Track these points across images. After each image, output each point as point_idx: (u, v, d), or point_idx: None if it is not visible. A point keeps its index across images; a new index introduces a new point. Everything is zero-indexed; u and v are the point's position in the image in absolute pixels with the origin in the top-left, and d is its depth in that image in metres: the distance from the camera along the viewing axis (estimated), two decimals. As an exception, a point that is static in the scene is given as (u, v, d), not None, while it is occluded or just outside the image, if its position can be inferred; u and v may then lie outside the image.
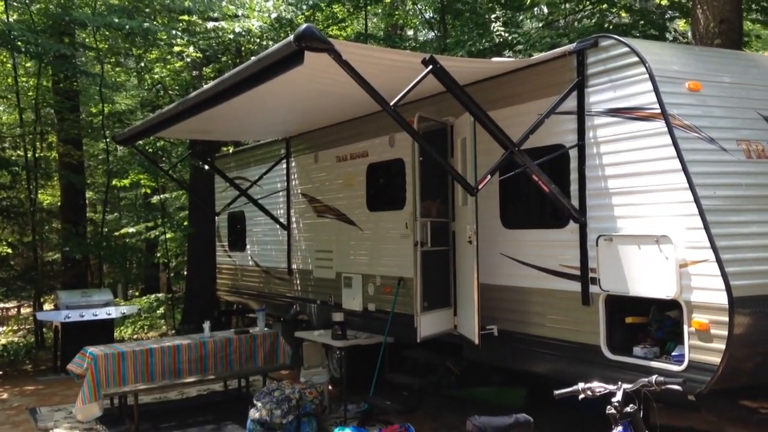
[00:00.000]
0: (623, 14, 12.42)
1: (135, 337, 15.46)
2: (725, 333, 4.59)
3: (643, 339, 5.28)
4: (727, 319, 4.58)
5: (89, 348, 7.71)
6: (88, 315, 10.81)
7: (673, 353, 5.00)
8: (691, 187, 4.78)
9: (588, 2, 12.10)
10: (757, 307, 4.65)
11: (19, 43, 10.58)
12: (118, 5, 12.56)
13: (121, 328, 16.12)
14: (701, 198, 4.76)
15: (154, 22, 12.66)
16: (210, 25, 12.27)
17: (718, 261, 4.64)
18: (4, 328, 18.36)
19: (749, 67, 5.79)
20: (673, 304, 5.02)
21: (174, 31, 12.02)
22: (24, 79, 15.08)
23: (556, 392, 3.75)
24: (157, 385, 7.82)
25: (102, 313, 10.95)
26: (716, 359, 4.64)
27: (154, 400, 8.77)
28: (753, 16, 11.80)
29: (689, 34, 10.02)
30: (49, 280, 15.00)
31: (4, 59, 14.57)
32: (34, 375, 11.24)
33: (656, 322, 5.27)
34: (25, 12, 12.73)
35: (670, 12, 12.60)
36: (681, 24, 13.79)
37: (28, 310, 18.01)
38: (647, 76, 5.09)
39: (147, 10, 12.67)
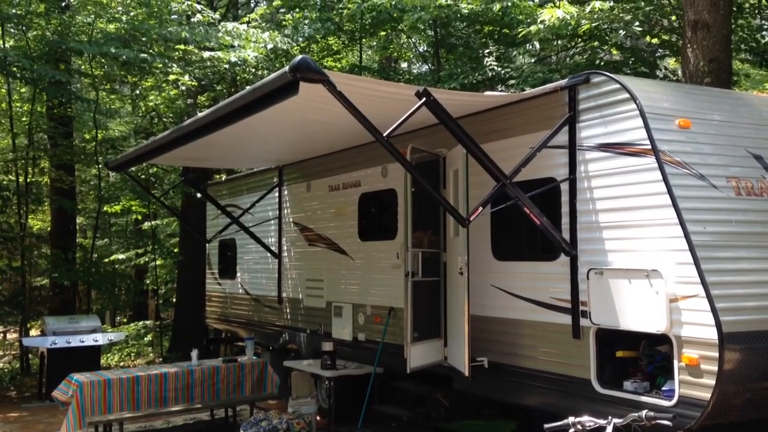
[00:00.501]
0: (614, 51, 12.63)
1: (122, 364, 15.29)
2: (715, 368, 4.59)
3: (633, 373, 5.27)
4: (717, 354, 4.59)
5: (75, 375, 7.61)
6: (75, 341, 10.69)
7: (664, 388, 4.99)
8: (681, 223, 4.82)
9: (579, 39, 12.29)
10: (746, 342, 4.67)
11: (15, 68, 10.61)
12: (115, 34, 12.66)
13: (108, 355, 15.94)
14: (691, 233, 4.80)
15: (151, 50, 12.75)
16: (206, 54, 12.36)
17: (708, 296, 4.66)
18: (-11, 353, 18.12)
19: (739, 105, 5.89)
20: (663, 339, 5.02)
21: (169, 62, 12.09)
22: (18, 104, 15.11)
23: (547, 426, 3.72)
24: (142, 414, 7.72)
25: (89, 340, 10.84)
26: (706, 395, 4.64)
27: (139, 428, 8.64)
28: (742, 55, 12.02)
29: (679, 72, 10.18)
30: (37, 306, 14.87)
31: (-1, 84, 14.63)
32: (19, 402, 11.08)
33: (647, 356, 5.26)
34: (22, 38, 12.80)
35: (660, 50, 12.82)
36: (671, 62, 14.02)
37: (15, 335, 17.80)
38: (638, 112, 5.17)
39: (144, 38, 12.77)
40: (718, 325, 4.60)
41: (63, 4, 13.44)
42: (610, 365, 5.40)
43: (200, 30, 12.20)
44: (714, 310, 4.62)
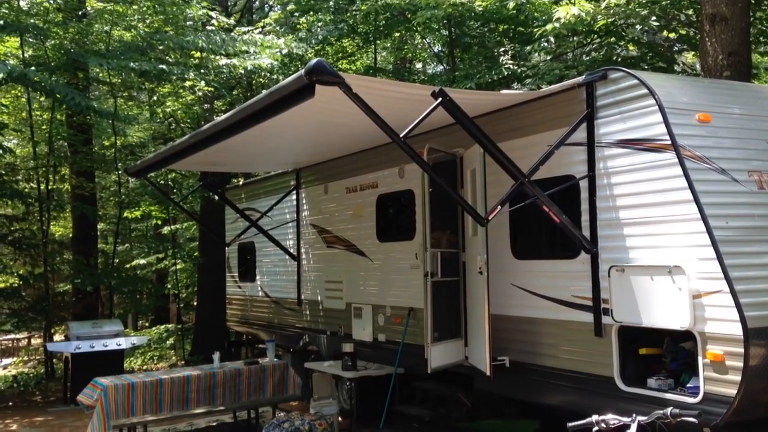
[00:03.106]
0: (631, 47, 12.52)
1: (145, 368, 15.42)
2: (740, 364, 4.55)
3: (657, 370, 5.23)
4: (742, 350, 4.54)
5: (99, 379, 7.69)
6: (99, 346, 10.81)
7: (688, 385, 4.95)
8: (703, 218, 4.78)
9: (596, 35, 12.21)
10: (772, 338, 4.61)
11: (36, 78, 10.74)
12: (132, 43, 12.77)
13: (131, 358, 16.09)
14: (714, 228, 4.75)
15: (167, 57, 12.85)
16: (222, 62, 12.44)
17: (732, 292, 4.61)
18: (15, 358, 18.36)
19: (759, 98, 5.82)
20: (687, 335, 4.98)
21: (186, 69, 12.17)
22: (38, 113, 15.30)
23: (570, 425, 3.71)
24: (166, 416, 7.78)
25: (112, 344, 10.95)
26: (732, 391, 4.59)
27: (163, 431, 8.71)
28: (762, 48, 11.87)
29: (698, 66, 10.09)
30: (60, 311, 15.03)
31: (19, 93, 14.81)
32: (44, 406, 11.21)
33: (670, 353, 5.22)
34: (40, 48, 12.95)
35: (678, 45, 12.69)
36: (689, 56, 13.87)
37: (39, 341, 18.02)
38: (657, 107, 5.13)
39: (161, 47, 12.87)
40: (743, 320, 4.55)
41: (80, 13, 13.57)
42: (634, 363, 5.36)
43: (216, 39, 12.28)
44: (738, 306, 4.57)
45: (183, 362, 14.86)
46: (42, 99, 15.11)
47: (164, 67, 11.63)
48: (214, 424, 9.09)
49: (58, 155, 15.55)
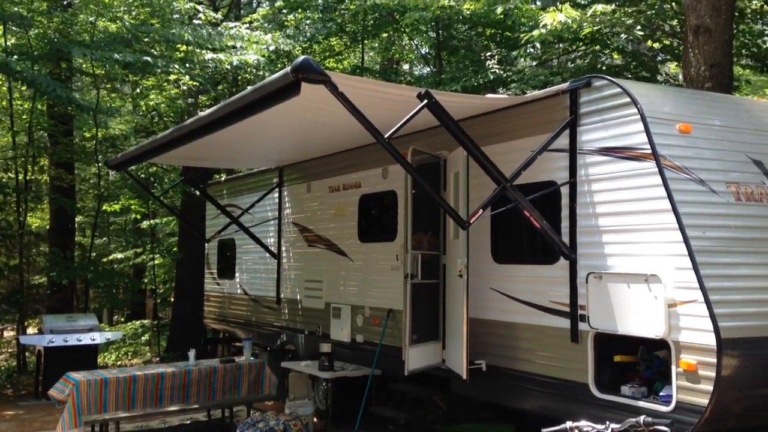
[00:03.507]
0: (616, 56, 12.63)
1: (119, 363, 15.26)
2: (713, 374, 4.58)
3: (631, 378, 5.27)
4: (715, 360, 4.58)
5: (71, 374, 7.60)
6: (72, 340, 10.67)
7: (661, 393, 4.99)
8: (681, 227, 4.82)
9: (581, 43, 12.30)
10: (745, 348, 4.66)
11: (18, 68, 10.57)
12: (117, 34, 12.64)
13: (105, 354, 15.91)
14: (690, 238, 4.79)
15: (153, 50, 12.73)
16: (208, 56, 12.35)
17: (707, 302, 4.65)
18: (-14, 351, 18.10)
19: (739, 110, 5.89)
20: (661, 344, 5.01)
21: (171, 63, 12.06)
22: (19, 102, 15.09)
23: (544, 431, 3.71)
24: (138, 413, 7.70)
25: (86, 339, 10.81)
26: (704, 401, 4.63)
27: (135, 428, 8.62)
28: (744, 61, 12.02)
29: (680, 77, 10.18)
30: (34, 304, 14.86)
31: (0, 82, 14.61)
32: (15, 400, 11.05)
33: (644, 361, 5.26)
34: (23, 37, 12.78)
35: (661, 55, 12.81)
36: (672, 67, 14.02)
37: (12, 333, 17.76)
38: (639, 116, 5.17)
39: (146, 39, 12.75)
40: (717, 330, 4.59)
41: (65, 2, 13.41)
42: (608, 370, 5.40)
43: (203, 32, 12.18)
44: (712, 316, 4.61)
45: (158, 359, 14.72)
46: (23, 89, 14.93)
47: (149, 59, 11.51)
48: (188, 422, 9.02)
49: (37, 146, 15.35)
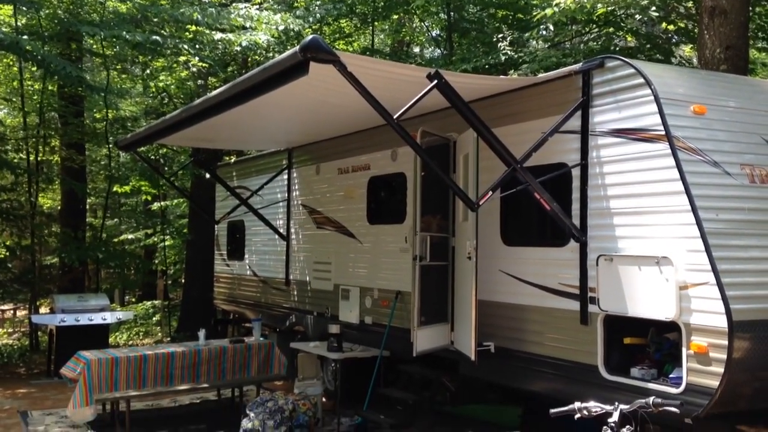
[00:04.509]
0: (629, 38, 12.48)
1: (130, 343, 15.40)
2: (724, 357, 4.56)
3: (641, 360, 5.24)
4: (726, 342, 4.55)
5: (83, 353, 7.66)
6: (84, 320, 10.77)
7: (671, 375, 4.97)
8: (694, 210, 4.77)
9: (594, 25, 12.15)
10: (756, 331, 4.63)
11: (29, 47, 10.56)
12: (127, 14, 12.60)
13: (117, 334, 16.06)
14: (703, 221, 4.74)
15: (162, 31, 12.69)
16: (218, 36, 12.30)
17: (719, 284, 4.61)
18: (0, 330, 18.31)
19: (754, 92, 5.81)
20: (672, 326, 4.98)
21: (180, 43, 12.02)
22: (30, 82, 15.11)
23: (552, 411, 3.71)
24: (149, 392, 7.77)
25: (98, 318, 10.91)
26: (714, 383, 4.61)
27: (146, 406, 8.71)
28: (759, 44, 11.86)
29: (695, 59, 10.06)
30: (46, 284, 14.96)
31: (11, 63, 14.62)
32: (27, 378, 11.18)
33: (655, 343, 5.23)
34: (34, 17, 12.76)
35: (676, 37, 12.65)
36: (687, 49, 13.85)
37: (24, 312, 17.94)
38: (652, 97, 5.10)
39: (155, 19, 12.70)
40: (728, 313, 4.55)
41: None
42: (618, 352, 5.37)
43: (212, 11, 12.12)
44: (724, 298, 4.58)
45: (169, 339, 14.84)
46: (34, 69, 14.96)
47: (158, 38, 11.48)
48: (198, 401, 9.09)
49: (48, 126, 15.40)
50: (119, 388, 7.51)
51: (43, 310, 14.82)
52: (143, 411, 8.49)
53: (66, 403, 7.62)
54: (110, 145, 14.96)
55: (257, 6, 13.69)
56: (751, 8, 9.14)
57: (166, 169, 16.05)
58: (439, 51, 16.51)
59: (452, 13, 14.17)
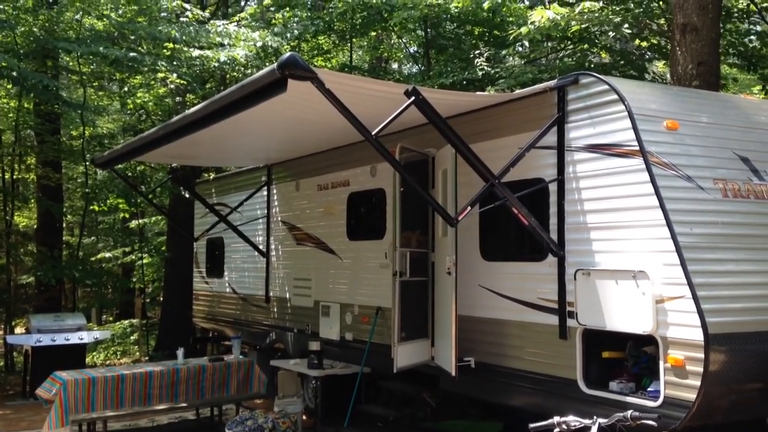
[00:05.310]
0: (603, 54, 12.67)
1: (107, 363, 15.18)
2: (701, 370, 4.61)
3: (619, 374, 5.28)
4: (702, 355, 4.60)
5: (59, 373, 7.54)
6: (60, 339, 10.59)
7: (649, 389, 5.01)
8: (668, 224, 4.84)
9: (569, 41, 12.33)
10: (732, 344, 4.69)
11: (4, 64, 10.46)
12: (104, 32, 12.55)
13: (94, 353, 15.82)
14: (678, 235, 4.81)
15: (139, 48, 12.65)
16: (195, 53, 12.28)
17: (695, 297, 4.67)
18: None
19: (726, 107, 5.91)
20: (649, 340, 5.03)
21: (159, 61, 11.99)
22: (5, 100, 14.96)
23: (532, 426, 3.72)
24: (126, 412, 7.65)
25: (74, 338, 10.74)
26: (691, 396, 4.65)
27: (124, 427, 8.58)
28: (731, 60, 12.09)
29: (668, 75, 10.23)
30: (22, 303, 14.75)
31: (-14, 80, 14.48)
32: (2, 400, 10.95)
33: (632, 357, 5.27)
34: (9, 35, 12.67)
35: (649, 53, 12.87)
36: (660, 65, 14.08)
37: (-1, 333, 17.64)
38: (626, 113, 5.18)
39: (132, 37, 12.66)
40: (704, 326, 4.61)
41: (50, 0, 13.31)
42: (597, 366, 5.41)
43: (190, 30, 12.11)
44: (700, 312, 4.63)
45: (147, 358, 14.65)
46: (9, 87, 14.81)
47: (135, 55, 11.44)
48: (176, 420, 8.98)
49: (24, 144, 15.23)
50: (96, 409, 7.39)
51: (18, 330, 14.57)
52: (120, 431, 8.37)
53: (41, 424, 7.49)
54: (87, 163, 14.81)
55: (235, 23, 13.72)
56: (721, 25, 9.33)
57: (143, 187, 15.93)
58: (417, 67, 16.63)
59: (429, 30, 14.30)
